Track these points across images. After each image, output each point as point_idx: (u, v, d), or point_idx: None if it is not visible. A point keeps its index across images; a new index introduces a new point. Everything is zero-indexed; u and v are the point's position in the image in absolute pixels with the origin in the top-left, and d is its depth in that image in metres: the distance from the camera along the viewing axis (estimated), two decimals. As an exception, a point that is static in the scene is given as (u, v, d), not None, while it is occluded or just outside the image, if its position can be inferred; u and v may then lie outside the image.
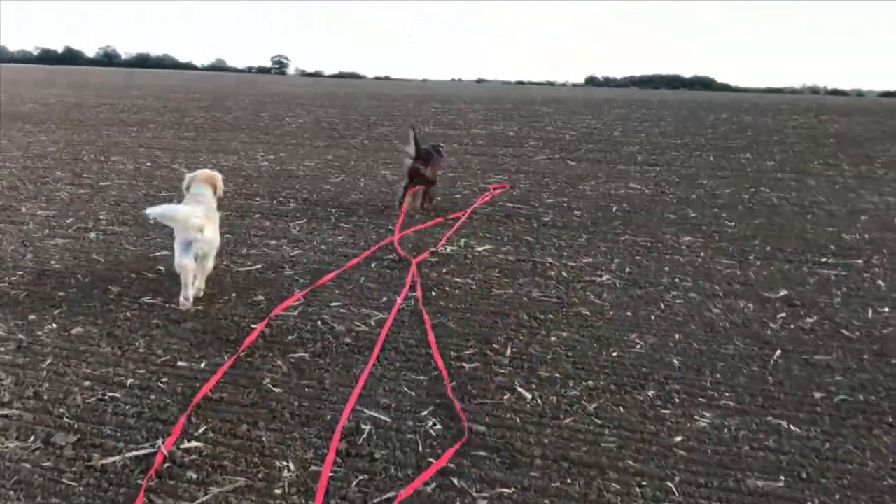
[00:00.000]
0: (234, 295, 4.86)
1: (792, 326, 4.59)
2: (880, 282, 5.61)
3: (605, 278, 5.53)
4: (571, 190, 9.56)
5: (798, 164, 13.00)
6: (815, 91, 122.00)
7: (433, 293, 5.04)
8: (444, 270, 5.62)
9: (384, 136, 16.63)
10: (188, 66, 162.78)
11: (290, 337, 4.16)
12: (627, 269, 5.78)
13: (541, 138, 16.37)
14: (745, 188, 10.06)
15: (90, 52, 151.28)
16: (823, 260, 6.28)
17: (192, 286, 4.60)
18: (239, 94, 36.63)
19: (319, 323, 4.38)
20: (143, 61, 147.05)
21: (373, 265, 5.71)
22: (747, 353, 4.15)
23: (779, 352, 4.17)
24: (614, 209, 8.29)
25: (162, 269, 5.42)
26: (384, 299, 4.85)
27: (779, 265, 6.07)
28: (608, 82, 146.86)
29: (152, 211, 4.32)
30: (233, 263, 5.61)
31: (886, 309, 4.98)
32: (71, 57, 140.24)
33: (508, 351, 4.05)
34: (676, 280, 5.54)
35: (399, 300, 4.79)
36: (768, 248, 6.62)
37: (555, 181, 10.30)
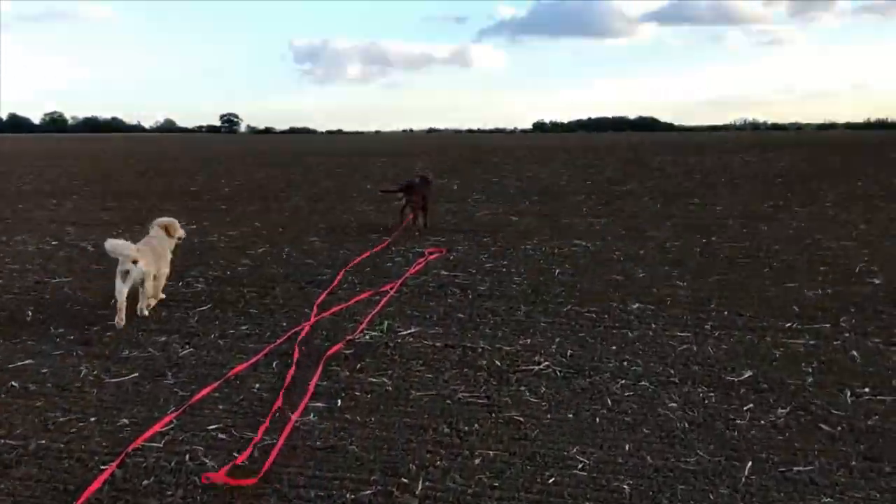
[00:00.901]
0: (92, 419, 3.98)
1: (762, 422, 3.87)
2: (854, 352, 4.96)
3: (544, 365, 4.78)
4: (512, 251, 8.87)
5: (748, 207, 12.55)
6: (756, 127, 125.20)
7: (340, 401, 4.22)
8: (358, 366, 4.81)
9: (324, 193, 15.86)
10: (137, 129, 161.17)
11: (145, 482, 3.29)
12: (570, 352, 5.04)
13: (485, 190, 15.78)
14: (695, 239, 9.48)
15: (36, 118, 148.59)
16: (788, 325, 5.63)
17: (124, 310, 5.80)
18: (181, 156, 35.66)
19: (188, 458, 3.52)
20: (91, 126, 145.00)
21: (273, 364, 4.88)
22: (712, 467, 3.40)
23: (750, 463, 3.43)
24: (557, 273, 7.60)
25: None
26: (278, 415, 4.01)
27: (739, 336, 5.40)
28: (555, 127, 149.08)
29: (107, 244, 5.81)
30: (105, 372, 4.73)
31: (866, 390, 4.30)
32: (16, 124, 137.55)
33: (419, 486, 3.24)
34: (625, 363, 4.81)
35: (294, 417, 3.96)
36: (726, 314, 5.96)
37: (495, 241, 9.61)
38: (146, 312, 6.07)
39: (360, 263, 8.17)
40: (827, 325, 5.61)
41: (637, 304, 6.27)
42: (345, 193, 16.03)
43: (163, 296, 6.52)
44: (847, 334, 5.39)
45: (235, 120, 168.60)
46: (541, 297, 6.59)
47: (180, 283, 7.26)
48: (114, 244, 5.81)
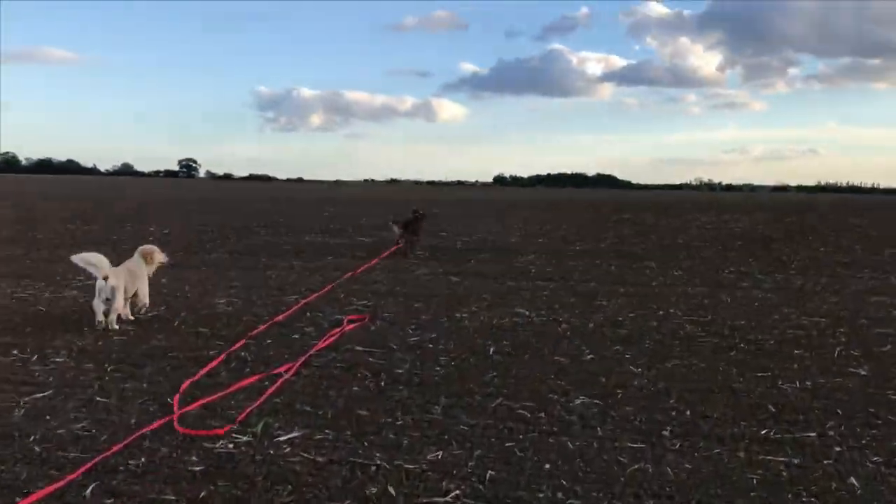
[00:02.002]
0: None
1: None
2: (853, 480, 3.87)
3: (453, 496, 3.60)
4: (446, 320, 7.73)
5: (708, 273, 11.63)
6: (711, 187, 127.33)
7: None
8: (202, 495, 3.57)
9: (253, 247, 14.61)
10: (92, 171, 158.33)
11: None
12: (490, 473, 3.87)
13: (430, 247, 14.67)
14: (652, 311, 8.45)
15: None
16: (764, 433, 4.54)
17: (103, 317, 6.93)
18: (122, 199, 34.07)
19: None
20: (45, 167, 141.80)
21: (89, 491, 3.62)
22: None
23: None
24: (491, 351, 6.46)
25: None
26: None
27: (705, 447, 4.29)
28: (516, 181, 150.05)
29: (76, 257, 6.99)
30: None
31: (879, 545, 3.20)
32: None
33: None
34: (560, 493, 3.66)
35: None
36: (688, 414, 4.86)
37: (429, 306, 8.47)
38: (115, 326, 7.00)
39: (263, 333, 6.95)
40: (812, 435, 4.53)
41: (581, 399, 5.14)
42: (278, 247, 14.79)
43: (132, 317, 7.41)
44: (839, 448, 4.31)
45: (194, 165, 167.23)
46: (467, 385, 5.43)
47: (35, 357, 5.96)
48: (85, 257, 7.00)
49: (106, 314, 6.98)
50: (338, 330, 7.10)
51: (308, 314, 7.95)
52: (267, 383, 5.38)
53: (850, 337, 7.21)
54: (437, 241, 16.02)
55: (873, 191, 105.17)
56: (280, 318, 7.66)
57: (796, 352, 6.60)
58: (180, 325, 7.31)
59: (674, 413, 4.89)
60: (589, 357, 6.32)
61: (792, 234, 19.14)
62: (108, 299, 6.93)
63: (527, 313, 8.19)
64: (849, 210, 33.48)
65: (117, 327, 6.99)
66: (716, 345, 6.85)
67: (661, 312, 8.34)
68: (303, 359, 6.03)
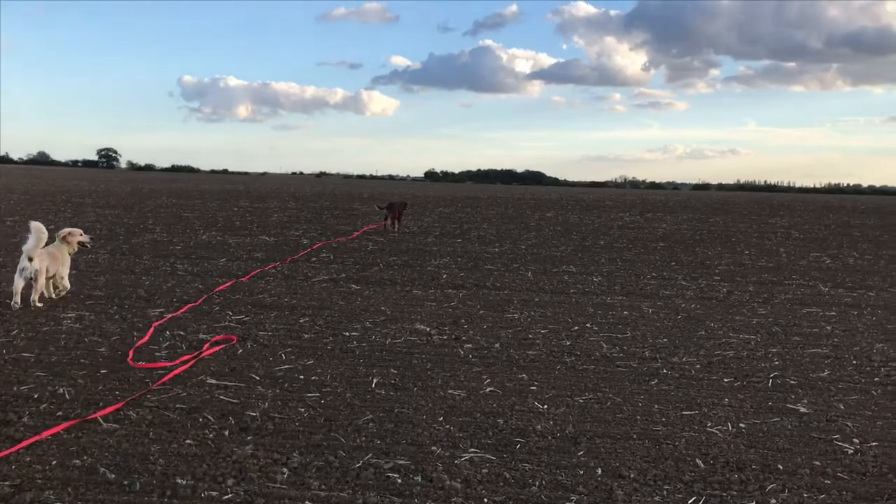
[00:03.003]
0: None
1: None
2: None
3: None
4: (330, 341, 6.64)
5: (629, 279, 10.84)
6: (635, 185, 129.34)
7: None
8: None
9: (138, 246, 13.13)
10: (3, 160, 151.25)
11: None
12: (327, 587, 2.81)
13: (335, 250, 13.52)
14: (566, 325, 7.54)
15: None
16: (692, 503, 3.62)
17: (19, 298, 7.45)
18: (20, 190, 31.58)
19: None
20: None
21: None
22: None
23: None
24: (374, 384, 5.41)
25: None
26: None
27: (620, 527, 3.33)
28: (446, 176, 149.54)
29: (35, 223, 7.48)
30: None
31: None
32: None
33: None
34: None
35: None
36: (599, 474, 3.91)
37: (315, 323, 7.37)
38: (38, 304, 7.56)
39: (100, 360, 5.72)
40: (750, 504, 3.63)
41: (471, 453, 4.13)
42: (167, 247, 13.37)
43: (54, 296, 7.99)
44: (786, 526, 3.42)
45: (114, 155, 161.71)
46: (333, 433, 4.37)
47: None
48: (39, 227, 7.42)
49: (23, 293, 7.51)
50: (192, 356, 5.92)
51: (167, 333, 6.74)
52: (76, 434, 4.20)
53: (784, 359, 6.44)
54: (348, 243, 14.86)
55: (789, 189, 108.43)
56: (139, 342, 6.43)
57: (726, 380, 5.76)
58: (0, 350, 6.00)
59: (581, 472, 3.93)
60: (489, 389, 5.33)
61: (715, 236, 18.70)
62: (30, 279, 7.50)
63: (427, 330, 7.17)
64: (769, 208, 33.69)
65: (41, 305, 7.60)
66: (635, 370, 5.96)
67: (575, 328, 7.44)
68: (130, 398, 4.85)
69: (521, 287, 10.02)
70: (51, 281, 7.91)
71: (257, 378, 5.44)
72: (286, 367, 5.76)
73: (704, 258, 13.80)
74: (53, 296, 7.97)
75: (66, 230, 8.28)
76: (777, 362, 6.35)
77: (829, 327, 7.90)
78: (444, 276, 10.79)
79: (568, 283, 10.51)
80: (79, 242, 8.36)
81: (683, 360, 6.36)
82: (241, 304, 8.17)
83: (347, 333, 6.95)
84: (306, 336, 6.80)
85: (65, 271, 8.07)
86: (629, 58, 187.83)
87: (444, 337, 6.96)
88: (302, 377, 5.50)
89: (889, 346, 7.07)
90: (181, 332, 6.77)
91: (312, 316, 7.70)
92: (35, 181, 43.10)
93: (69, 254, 8.22)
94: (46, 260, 7.68)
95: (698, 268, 12.47)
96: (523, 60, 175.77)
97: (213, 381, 5.32)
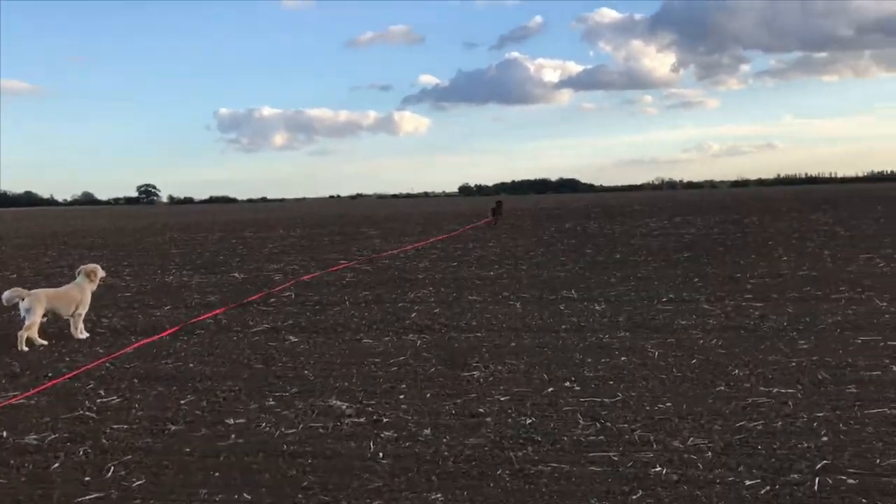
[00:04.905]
0: None
1: None
2: None
3: None
4: (199, 436, 4.82)
5: (639, 306, 8.82)
6: (672, 186, 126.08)
7: None
8: None
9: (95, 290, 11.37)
10: (50, 202, 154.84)
11: None
12: None
13: (305, 286, 11.72)
14: (537, 388, 5.62)
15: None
16: None
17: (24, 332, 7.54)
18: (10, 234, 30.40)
19: None
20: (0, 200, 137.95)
21: None
22: None
23: None
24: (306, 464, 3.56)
25: None
26: None
27: None
28: (480, 190, 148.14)
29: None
30: None
31: None
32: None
33: None
34: None
35: None
36: None
37: (195, 407, 5.56)
38: (24, 348, 7.47)
39: None
40: None
41: None
42: (116, 292, 11.71)
43: (84, 335, 8.11)
44: None
45: (153, 190, 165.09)
46: None
47: None
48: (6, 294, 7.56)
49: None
50: (-19, 479, 4.15)
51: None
52: None
53: (835, 432, 4.44)
54: (322, 276, 13.09)
55: (831, 180, 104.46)
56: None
57: (749, 482, 3.79)
58: None
59: None
60: (449, 469, 3.45)
61: (750, 240, 16.53)
62: (23, 318, 7.59)
63: (342, 409, 5.32)
64: (810, 204, 31.20)
65: (26, 348, 7.47)
66: (615, 469, 4.04)
67: (549, 390, 5.51)
68: None
69: (500, 326, 8.11)
70: (71, 319, 8.01)
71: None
72: (93, 497, 3.94)
73: (735, 270, 11.71)
74: (83, 335, 8.04)
75: (90, 266, 8.30)
76: (826, 438, 4.35)
77: (895, 367, 5.85)
78: (414, 315, 8.94)
79: (563, 314, 8.57)
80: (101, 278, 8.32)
81: (690, 441, 4.41)
82: (126, 377, 6.41)
83: (231, 421, 5.13)
84: (171, 429, 5.00)
85: (82, 310, 8.05)
86: (657, 59, 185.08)
87: (362, 419, 5.09)
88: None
89: None
90: (3, 433, 5.02)
91: (205, 392, 5.90)
92: (36, 222, 42.41)
93: (91, 290, 8.20)
94: (42, 298, 7.67)
95: (726, 283, 10.41)
96: (551, 70, 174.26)
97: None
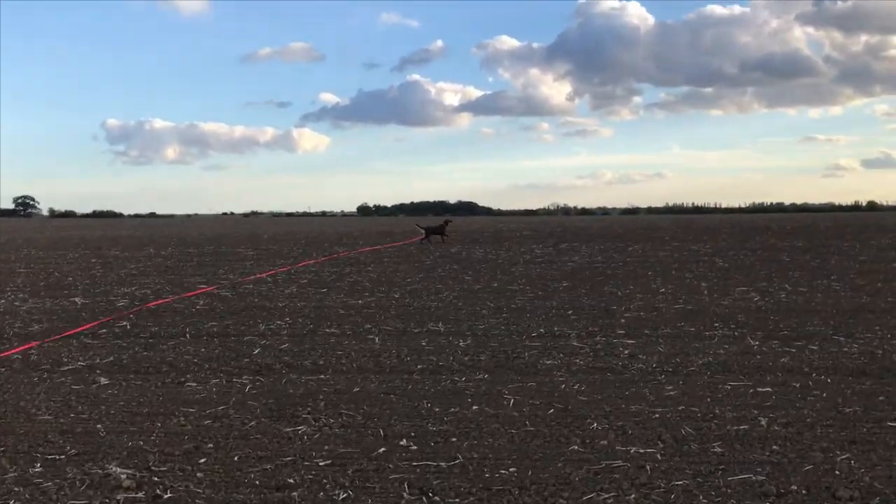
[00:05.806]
0: None
1: None
2: None
3: None
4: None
5: (505, 342, 8.11)
6: (566, 212, 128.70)
7: None
8: None
9: None
10: None
11: None
12: None
13: (152, 314, 10.51)
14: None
15: None
16: None
17: None
18: None
19: None
20: None
21: None
22: None
23: None
24: None
25: None
26: None
27: None
28: (378, 210, 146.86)
29: None
30: None
31: None
32: None
33: None
34: None
35: None
36: None
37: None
38: None
39: None
40: None
41: None
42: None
43: None
44: None
45: (31, 202, 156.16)
46: None
47: None
48: None
49: None
50: None
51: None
52: None
53: (693, 513, 3.80)
54: (173, 303, 11.87)
55: (715, 210, 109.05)
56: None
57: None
58: None
59: None
60: None
61: (630, 269, 16.33)
62: None
63: (123, 480, 4.33)
64: (693, 233, 31.89)
65: None
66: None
67: (372, 480, 4.68)
68: None
69: (349, 366, 7.26)
70: None
71: None
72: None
73: (611, 301, 11.28)
74: None
75: None
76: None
77: (763, 420, 5.35)
78: (257, 351, 7.99)
79: (422, 352, 7.80)
80: None
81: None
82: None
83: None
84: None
85: None
86: (554, 88, 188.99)
87: (140, 494, 4.12)
88: None
89: (857, 459, 4.53)
90: None
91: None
92: None
93: None
94: None
95: (600, 316, 9.92)
96: (451, 94, 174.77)
97: None
